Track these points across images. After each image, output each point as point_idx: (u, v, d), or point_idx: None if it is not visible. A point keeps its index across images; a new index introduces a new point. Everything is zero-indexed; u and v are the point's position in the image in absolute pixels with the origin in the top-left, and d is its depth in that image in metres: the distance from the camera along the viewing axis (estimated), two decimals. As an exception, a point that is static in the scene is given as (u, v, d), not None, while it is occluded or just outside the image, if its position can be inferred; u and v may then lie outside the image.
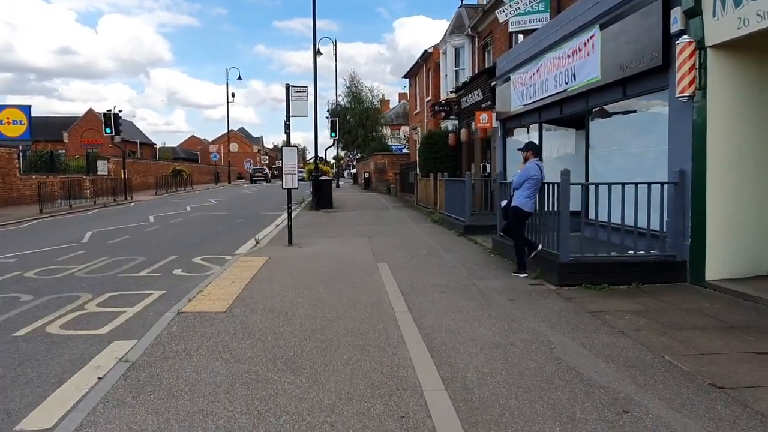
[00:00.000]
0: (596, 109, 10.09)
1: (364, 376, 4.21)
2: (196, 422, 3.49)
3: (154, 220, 17.97)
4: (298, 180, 12.22)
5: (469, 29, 21.96)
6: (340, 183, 47.46)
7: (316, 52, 23.06)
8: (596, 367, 4.37)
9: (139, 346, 4.96)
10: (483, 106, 17.12)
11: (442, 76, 24.79)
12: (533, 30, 14.00)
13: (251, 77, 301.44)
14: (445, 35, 24.24)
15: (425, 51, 29.48)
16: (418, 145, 29.29)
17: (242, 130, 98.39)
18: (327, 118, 43.60)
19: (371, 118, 53.24)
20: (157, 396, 3.89)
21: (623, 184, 7.47)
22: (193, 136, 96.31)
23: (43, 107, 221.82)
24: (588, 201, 7.91)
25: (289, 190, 11.86)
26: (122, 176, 29.83)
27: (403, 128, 53.13)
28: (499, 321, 5.72)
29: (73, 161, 35.30)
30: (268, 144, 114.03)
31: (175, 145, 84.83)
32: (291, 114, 11.74)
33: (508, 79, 14.33)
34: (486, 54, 21.21)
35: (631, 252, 7.61)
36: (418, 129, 32.10)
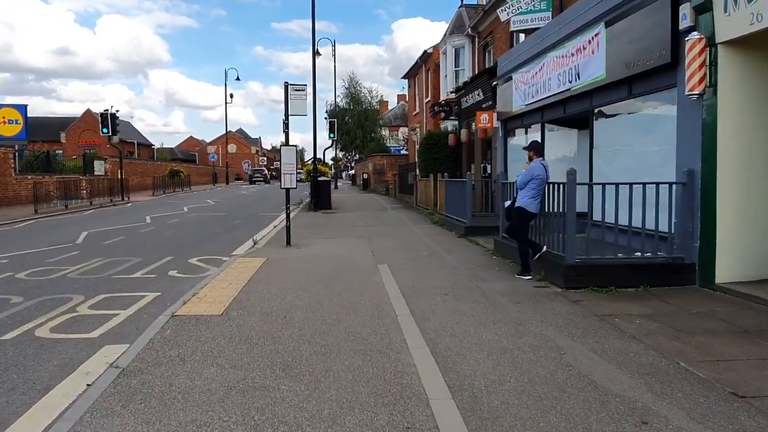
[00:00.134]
0: (601, 108, 9.91)
1: (367, 384, 4.01)
2: (188, 433, 3.29)
3: (151, 220, 17.75)
4: (297, 181, 12.03)
5: (470, 29, 21.78)
6: (338, 184, 47.25)
7: (315, 53, 22.87)
8: (609, 375, 4.17)
9: (131, 350, 4.75)
10: (484, 106, 16.94)
11: (441, 77, 24.61)
12: (535, 29, 13.83)
13: (250, 78, 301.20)
14: (444, 35, 24.06)
15: (425, 51, 29.30)
16: (417, 146, 29.11)
17: (240, 131, 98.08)
18: (326, 118, 43.47)
19: (370, 119, 53.05)
20: (148, 405, 3.68)
21: (631, 184, 7.29)
22: (191, 137, 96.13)
23: (42, 108, 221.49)
24: (593, 201, 7.72)
25: (287, 190, 11.66)
26: (119, 177, 29.58)
27: (401, 129, 52.92)
28: (505, 325, 5.52)
29: (70, 161, 35.01)
30: (267, 145, 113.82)
31: (173, 146, 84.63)
32: (290, 113, 11.53)
33: (510, 78, 14.16)
34: (486, 54, 21.04)
35: (638, 254, 7.43)
36: (417, 130, 31.91)
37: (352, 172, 61.87)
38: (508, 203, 8.58)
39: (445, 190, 15.86)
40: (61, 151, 48.56)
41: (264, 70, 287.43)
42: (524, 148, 8.22)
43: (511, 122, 14.89)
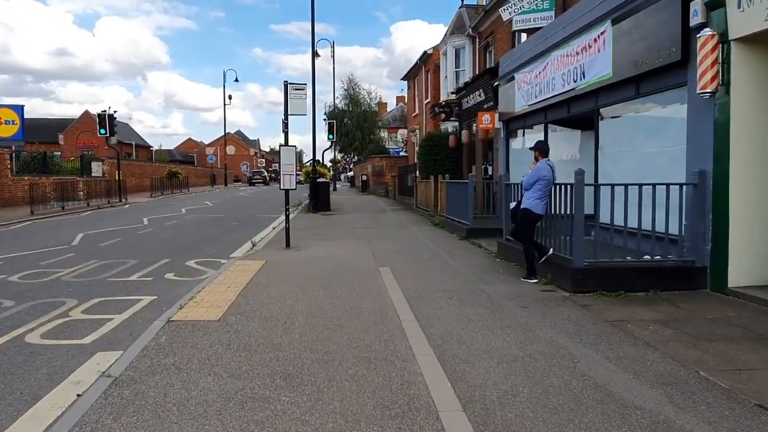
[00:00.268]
0: (607, 108, 9.71)
1: (372, 394, 3.80)
2: (183, 449, 3.08)
3: (148, 222, 17.52)
4: (296, 182, 11.82)
5: (470, 29, 21.59)
6: (337, 186, 47.04)
7: (314, 54, 22.67)
8: (627, 385, 3.96)
9: (124, 358, 4.54)
10: (485, 106, 16.75)
11: (441, 78, 24.42)
12: (537, 29, 13.66)
13: (248, 80, 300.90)
14: (445, 36, 23.88)
15: (424, 52, 29.11)
16: (416, 148, 28.90)
17: (239, 132, 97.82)
18: (324, 120, 43.30)
19: (369, 120, 52.86)
20: (141, 417, 3.47)
21: (640, 185, 7.09)
22: (189, 138, 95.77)
23: (40, 109, 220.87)
24: (600, 203, 7.52)
25: (286, 191, 11.45)
26: (117, 178, 29.33)
27: (400, 131, 52.75)
28: (513, 331, 5.32)
29: (67, 163, 34.76)
30: (265, 147, 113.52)
31: (171, 148, 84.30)
32: (289, 112, 11.32)
33: (512, 78, 13.97)
34: (487, 54, 20.85)
35: (647, 257, 7.24)
36: (417, 131, 31.72)
37: (351, 173, 61.65)
38: (513, 205, 8.37)
39: (446, 192, 15.66)
40: (59, 153, 48.24)
41: (263, 72, 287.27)
42: (530, 148, 8.02)
43: (514, 123, 14.70)
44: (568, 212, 7.31)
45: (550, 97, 11.51)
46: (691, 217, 7.06)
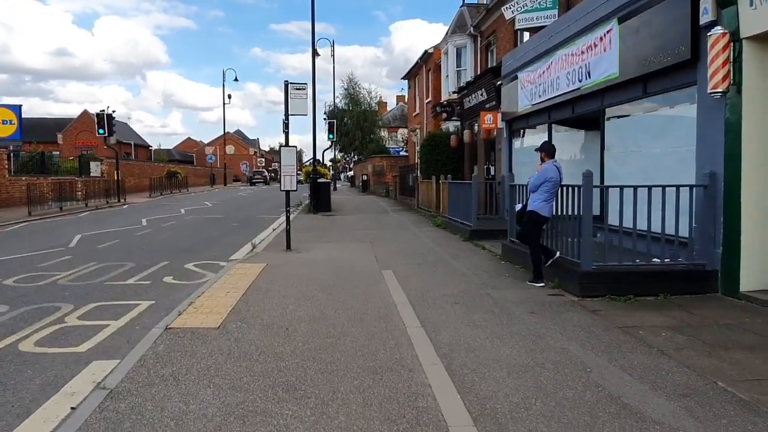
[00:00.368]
0: (613, 108, 9.56)
1: (379, 407, 3.64)
2: (181, 469, 2.92)
3: (147, 223, 17.35)
4: (297, 182, 11.66)
5: (472, 28, 21.43)
6: (337, 185, 46.85)
7: (315, 53, 22.50)
8: (644, 397, 3.81)
9: (121, 368, 4.37)
10: (487, 106, 16.59)
11: (442, 77, 24.26)
12: (540, 27, 13.50)
13: (248, 80, 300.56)
14: (446, 35, 23.72)
15: (425, 51, 28.92)
16: (417, 147, 28.74)
17: (238, 132, 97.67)
18: (324, 119, 43.15)
19: (369, 120, 52.66)
20: (137, 433, 3.31)
21: (649, 187, 6.93)
22: (189, 138, 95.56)
23: (39, 109, 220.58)
24: (608, 204, 7.37)
25: (287, 192, 11.29)
26: (115, 178, 29.15)
27: (400, 131, 52.58)
28: (522, 338, 5.16)
29: (66, 163, 34.58)
30: (265, 146, 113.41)
31: (170, 147, 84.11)
32: (290, 112, 11.15)
33: (515, 78, 13.81)
34: (489, 54, 20.70)
35: (656, 260, 7.08)
36: (418, 131, 31.56)
37: (351, 173, 61.51)
38: (519, 207, 8.20)
39: (448, 193, 15.50)
40: (57, 153, 48.09)
41: (262, 71, 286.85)
42: (536, 150, 7.86)
43: (517, 123, 14.54)
44: (575, 214, 7.17)
45: (555, 97, 11.35)
46: (701, 220, 6.90)
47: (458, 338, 5.16)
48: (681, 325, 5.54)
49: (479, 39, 21.37)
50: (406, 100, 47.56)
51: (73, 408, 3.73)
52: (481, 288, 7.38)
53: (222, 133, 64.70)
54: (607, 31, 9.11)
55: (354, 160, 58.71)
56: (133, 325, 5.83)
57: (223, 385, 4.02)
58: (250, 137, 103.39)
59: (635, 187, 6.97)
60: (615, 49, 8.89)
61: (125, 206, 25.87)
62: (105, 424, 3.43)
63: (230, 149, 74.03)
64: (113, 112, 27.52)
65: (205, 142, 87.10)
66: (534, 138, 13.50)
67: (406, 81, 36.81)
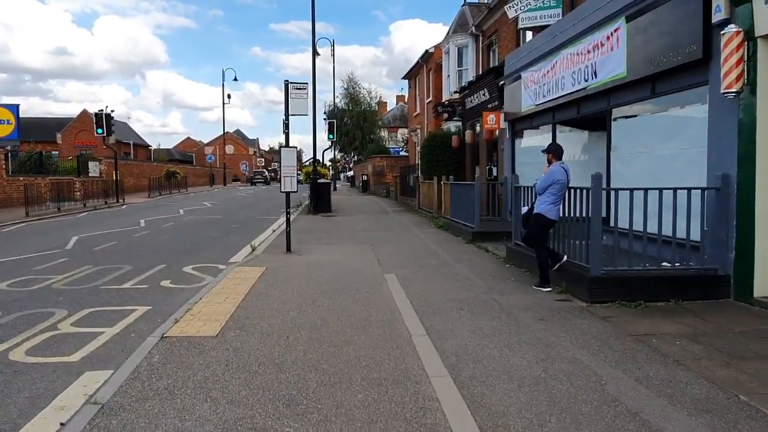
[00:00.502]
0: (620, 108, 9.37)
1: (385, 425, 3.45)
2: (175, 495, 2.73)
3: (145, 224, 17.15)
4: (297, 182, 11.46)
5: (473, 28, 21.25)
6: (337, 186, 46.64)
7: (315, 53, 22.30)
8: (664, 412, 3.62)
9: (114, 380, 4.18)
10: (490, 106, 16.41)
11: (444, 77, 24.08)
12: (544, 27, 13.30)
13: (247, 79, 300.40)
14: (447, 34, 23.53)
15: (426, 51, 28.73)
16: (418, 148, 28.55)
17: (238, 132, 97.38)
18: (324, 119, 42.91)
19: (369, 120, 52.46)
20: (128, 453, 3.12)
21: (660, 190, 6.75)
22: (188, 137, 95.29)
23: (39, 108, 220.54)
24: (618, 207, 7.17)
25: (287, 193, 11.09)
26: (114, 178, 28.94)
27: (400, 131, 52.42)
28: (532, 347, 4.97)
29: (65, 162, 34.38)
30: (264, 146, 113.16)
31: (170, 147, 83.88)
32: (290, 112, 10.96)
33: (519, 77, 13.63)
34: (491, 53, 20.50)
35: (666, 264, 6.89)
36: (418, 131, 31.37)
37: (351, 173, 61.32)
38: (525, 209, 8.01)
39: (450, 194, 15.30)
40: (57, 152, 47.94)
41: (262, 71, 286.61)
42: (543, 151, 7.67)
43: (520, 123, 14.36)
44: (583, 217, 6.99)
45: (559, 97, 11.17)
46: (713, 223, 6.72)
47: (465, 347, 4.98)
48: (695, 333, 5.36)
49: (481, 38, 21.18)
50: (406, 100, 47.40)
51: (62, 424, 3.54)
52: (486, 293, 7.19)
53: (222, 132, 64.46)
54: (615, 30, 8.92)
55: (354, 160, 58.50)
56: (128, 333, 5.64)
57: (221, 399, 3.82)
58: (250, 137, 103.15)
59: (646, 190, 6.78)
60: (622, 48, 8.71)
61: (124, 207, 25.67)
62: (95, 443, 3.24)
63: (230, 149, 73.76)
64: (112, 111, 27.35)
65: (205, 141, 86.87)
66: (537, 138, 13.31)
67: (407, 81, 36.63)
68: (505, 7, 14.94)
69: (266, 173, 66.88)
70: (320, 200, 20.81)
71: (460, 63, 22.42)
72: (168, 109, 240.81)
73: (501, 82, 15.33)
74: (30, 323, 5.98)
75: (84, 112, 56.15)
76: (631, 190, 6.83)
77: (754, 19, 6.24)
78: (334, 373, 4.31)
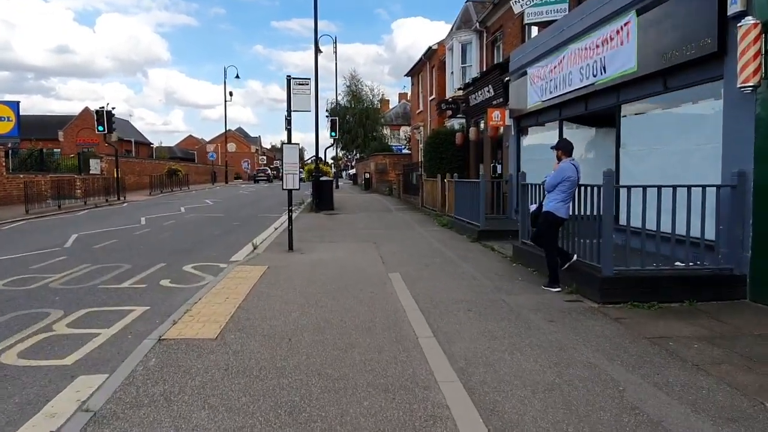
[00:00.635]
0: (629, 104, 9.15)
1: (393, 434, 3.26)
2: None
3: (146, 222, 16.97)
4: (299, 180, 11.27)
5: (477, 24, 21.03)
6: (339, 184, 46.45)
7: (317, 50, 22.10)
8: (687, 421, 3.42)
9: (108, 385, 3.99)
10: (494, 103, 16.18)
11: (447, 74, 23.88)
12: (550, 22, 13.08)
13: (249, 77, 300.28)
14: (451, 31, 23.32)
15: (429, 48, 28.49)
16: (420, 145, 28.33)
17: (240, 129, 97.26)
18: (327, 117, 42.69)
19: (371, 117, 52.22)
20: (121, 466, 2.93)
21: (674, 187, 6.53)
22: (190, 135, 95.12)
23: (41, 106, 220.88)
24: (629, 205, 6.97)
25: (289, 191, 10.90)
26: (115, 175, 28.77)
27: (403, 128, 52.17)
28: (544, 350, 4.77)
29: (67, 160, 34.19)
30: (266, 144, 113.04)
31: (172, 145, 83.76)
32: (292, 108, 10.77)
33: (524, 73, 13.41)
34: (495, 50, 20.28)
35: (679, 264, 6.67)
36: (421, 128, 31.15)
37: (353, 171, 61.11)
38: (534, 207, 7.80)
39: (454, 192, 15.09)
40: (59, 150, 47.75)
41: (264, 68, 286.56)
42: (552, 147, 7.46)
43: (525, 120, 14.14)
44: (593, 215, 6.79)
45: (567, 93, 10.95)
46: (729, 221, 6.50)
47: (474, 350, 4.78)
48: (713, 336, 5.16)
49: (485, 35, 20.96)
50: (408, 98, 47.15)
51: (52, 432, 3.36)
52: (494, 293, 6.99)
53: (223, 130, 64.25)
54: (625, 24, 8.70)
55: (356, 158, 58.29)
56: (125, 334, 5.45)
57: (219, 406, 3.63)
58: (252, 135, 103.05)
59: (659, 187, 6.56)
60: (633, 42, 8.49)
61: (125, 204, 25.50)
62: (86, 454, 3.06)
63: (232, 147, 73.51)
64: (113, 108, 27.15)
65: (207, 139, 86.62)
66: (543, 135, 13.10)
67: (409, 78, 36.41)
68: (511, 3, 14.72)
69: (269, 171, 67.35)
70: (322, 198, 20.63)
71: (463, 60, 22.21)
72: (170, 107, 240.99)
73: (506, 79, 15.10)
74: (24, 324, 5.80)
75: (86, 110, 56.02)
76: (644, 188, 6.61)
77: (772, 10, 6.02)
78: (339, 378, 4.11)
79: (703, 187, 6.51)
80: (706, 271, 6.58)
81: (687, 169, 7.57)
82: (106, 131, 26.45)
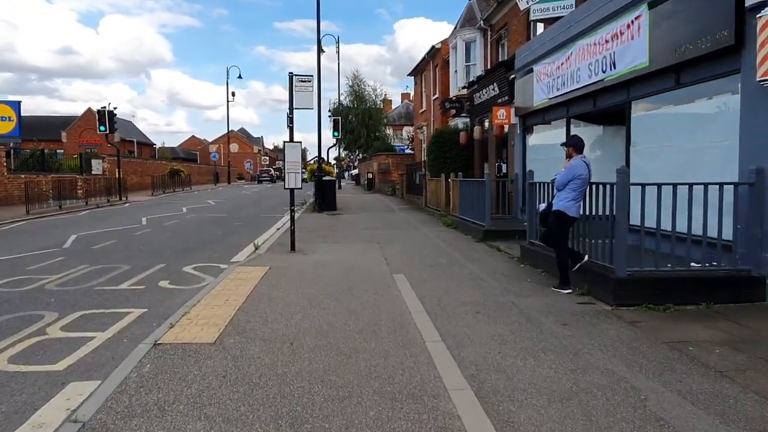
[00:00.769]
0: (640, 100, 8.92)
1: (401, 448, 3.04)
2: None
3: (147, 222, 16.78)
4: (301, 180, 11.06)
5: (482, 22, 20.77)
6: (342, 184, 46.25)
7: (320, 49, 21.89)
8: (717, 434, 3.19)
9: (99, 393, 3.77)
10: (500, 101, 15.95)
11: (451, 72, 23.62)
12: (556, 18, 12.84)
13: (252, 78, 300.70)
14: (454, 29, 23.07)
15: (432, 47, 28.26)
16: (424, 145, 28.12)
17: (242, 130, 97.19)
18: (329, 117, 42.52)
19: (374, 117, 51.98)
20: (109, 483, 2.72)
21: (690, 185, 6.29)
22: (193, 136, 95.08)
23: (45, 107, 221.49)
24: (644, 204, 6.73)
25: (291, 190, 10.70)
26: (117, 176, 28.61)
27: (405, 128, 51.94)
28: (558, 355, 4.55)
29: (69, 160, 34.06)
30: (269, 145, 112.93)
31: (175, 145, 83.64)
32: (295, 106, 10.56)
33: (530, 71, 13.19)
34: (500, 48, 20.04)
35: (695, 265, 6.44)
36: (425, 128, 30.93)
37: (356, 171, 60.89)
38: (543, 206, 7.57)
39: (459, 191, 14.87)
40: (62, 151, 47.65)
41: (266, 69, 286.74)
42: (562, 145, 7.24)
43: (531, 118, 13.91)
44: (605, 214, 6.56)
45: (575, 90, 10.73)
46: (746, 221, 6.26)
47: (485, 355, 4.56)
48: (734, 340, 4.93)
49: (489, 33, 20.71)
50: (411, 98, 46.96)
51: (38, 444, 3.15)
52: (502, 295, 6.77)
53: (226, 131, 64.14)
54: (636, 18, 8.47)
55: (359, 158, 58.07)
56: (120, 338, 5.24)
57: (217, 416, 3.41)
58: (254, 135, 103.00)
59: (674, 185, 6.32)
60: (644, 36, 8.26)
61: (126, 204, 25.33)
62: (72, 470, 2.85)
63: (234, 147, 73.33)
64: (115, 109, 27.04)
65: (210, 140, 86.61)
66: (550, 134, 12.87)
67: (412, 78, 36.18)
68: (516, 0, 14.49)
69: (272, 171, 67.62)
70: (325, 198, 20.43)
71: (467, 58, 21.96)
72: (173, 108, 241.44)
73: (511, 76, 14.88)
74: (17, 327, 5.60)
75: (89, 111, 55.88)
76: (659, 186, 6.37)
77: (793, 1, 5.79)
78: (343, 386, 3.89)
79: (720, 185, 6.27)
80: (722, 272, 6.34)
81: (700, 167, 7.34)
82: (107, 131, 26.31)
